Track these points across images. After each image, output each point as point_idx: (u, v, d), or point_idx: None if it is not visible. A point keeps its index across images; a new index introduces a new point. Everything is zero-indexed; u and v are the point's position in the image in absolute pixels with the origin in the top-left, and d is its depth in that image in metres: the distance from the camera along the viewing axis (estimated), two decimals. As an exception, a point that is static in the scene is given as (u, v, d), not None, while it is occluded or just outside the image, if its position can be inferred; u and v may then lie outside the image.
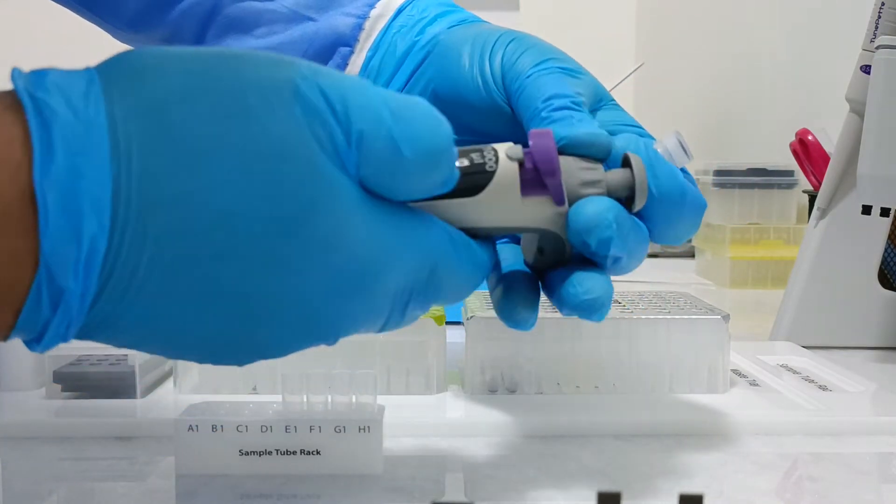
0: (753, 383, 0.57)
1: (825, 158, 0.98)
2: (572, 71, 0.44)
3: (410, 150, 0.32)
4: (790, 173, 1.14)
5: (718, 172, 1.15)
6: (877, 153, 0.61)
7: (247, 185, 0.30)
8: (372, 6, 0.53)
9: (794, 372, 0.60)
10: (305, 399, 0.44)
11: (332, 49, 0.52)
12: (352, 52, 0.52)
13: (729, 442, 0.48)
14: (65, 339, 0.30)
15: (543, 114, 0.41)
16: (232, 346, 0.32)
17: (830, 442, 0.48)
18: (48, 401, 0.52)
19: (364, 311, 0.34)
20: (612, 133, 0.42)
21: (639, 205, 0.38)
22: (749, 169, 1.15)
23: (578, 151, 0.38)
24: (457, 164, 0.36)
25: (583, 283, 0.37)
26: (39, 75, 0.30)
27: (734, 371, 0.59)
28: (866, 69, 0.67)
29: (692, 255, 1.29)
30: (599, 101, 0.45)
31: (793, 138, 1.04)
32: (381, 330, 0.35)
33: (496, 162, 0.37)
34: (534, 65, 0.44)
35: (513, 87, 0.44)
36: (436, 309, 0.55)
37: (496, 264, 0.40)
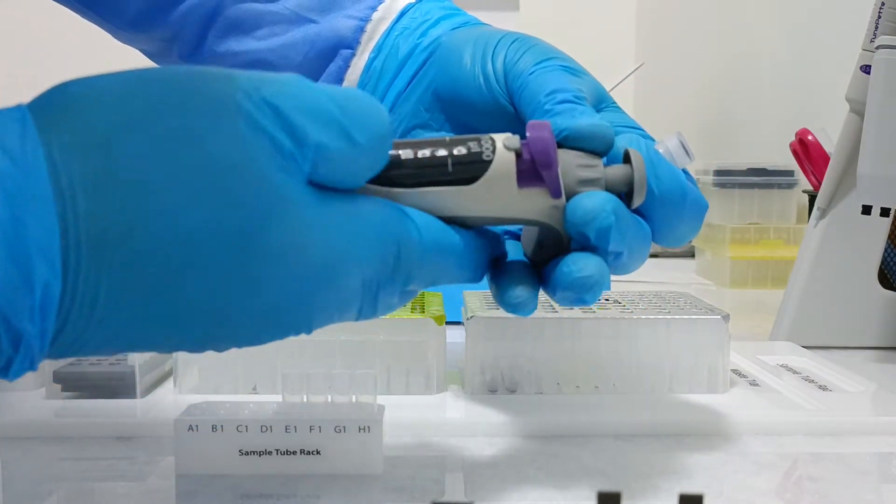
0: (753, 383, 0.57)
1: (825, 158, 0.98)
2: (574, 70, 0.44)
3: (363, 136, 0.33)
4: (790, 173, 1.14)
5: (718, 172, 1.15)
6: (877, 153, 0.61)
7: (197, 209, 0.30)
8: (374, 9, 0.53)
9: (794, 372, 0.60)
10: (305, 399, 0.44)
11: (334, 51, 0.52)
12: (353, 55, 0.52)
13: (729, 442, 0.48)
14: (32, 368, 0.30)
15: (546, 107, 0.41)
16: (203, 346, 0.33)
17: (830, 442, 0.48)
18: (48, 401, 0.52)
19: (332, 304, 0.34)
20: None
21: (638, 201, 0.38)
22: (749, 169, 1.15)
23: (579, 144, 0.38)
24: (455, 151, 0.36)
25: (576, 262, 0.37)
26: None
27: (734, 371, 0.59)
28: (866, 69, 0.67)
29: (692, 255, 1.29)
30: (601, 101, 0.45)
31: (793, 138, 1.04)
32: (358, 319, 0.35)
33: (493, 151, 0.36)
34: (536, 62, 0.44)
35: (515, 84, 0.44)
36: (436, 309, 0.55)
37: (501, 255, 0.40)
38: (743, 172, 1.15)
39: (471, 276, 0.38)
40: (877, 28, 0.68)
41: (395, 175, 0.36)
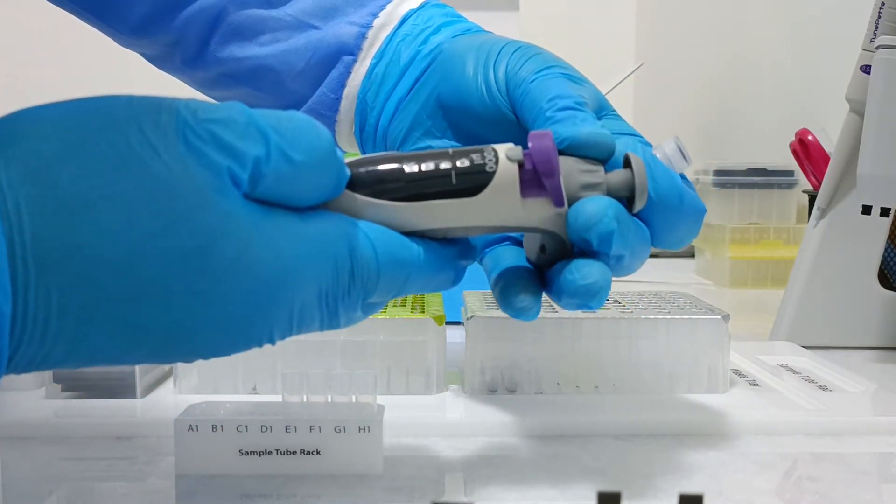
0: (753, 383, 0.57)
1: (825, 158, 0.98)
2: (575, 77, 0.44)
3: (300, 155, 0.33)
4: (790, 173, 1.14)
5: (718, 172, 1.15)
6: (877, 153, 0.61)
7: (136, 228, 0.31)
8: (375, 15, 0.53)
9: (794, 372, 0.60)
10: (305, 399, 0.44)
11: (336, 57, 0.53)
12: (355, 61, 0.52)
13: (729, 442, 0.48)
14: None
15: (548, 114, 0.41)
16: (168, 358, 0.33)
17: (830, 442, 0.48)
18: (48, 401, 0.52)
19: (289, 318, 0.34)
20: None
21: (639, 205, 0.38)
22: (749, 169, 1.15)
23: (580, 152, 0.39)
24: (458, 163, 0.36)
25: (580, 269, 0.37)
26: None
27: (734, 371, 0.59)
28: (866, 69, 0.67)
29: (692, 255, 1.29)
30: (601, 109, 0.45)
31: (793, 138, 1.04)
32: (322, 329, 0.36)
33: (496, 163, 0.37)
34: (537, 70, 0.44)
35: (517, 92, 0.44)
36: (436, 309, 0.55)
37: (492, 266, 0.41)
38: (743, 172, 1.15)
39: (438, 286, 0.38)
40: (877, 28, 0.68)
41: (398, 189, 0.36)
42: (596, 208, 0.37)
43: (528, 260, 0.41)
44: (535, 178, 0.37)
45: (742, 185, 1.14)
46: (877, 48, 0.61)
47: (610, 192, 0.38)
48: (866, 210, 0.65)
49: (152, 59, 0.58)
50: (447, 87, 0.48)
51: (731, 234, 1.11)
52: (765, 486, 0.43)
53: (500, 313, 0.54)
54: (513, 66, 0.45)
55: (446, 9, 0.53)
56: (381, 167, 0.36)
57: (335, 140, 0.55)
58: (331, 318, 0.35)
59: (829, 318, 0.73)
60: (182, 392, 0.53)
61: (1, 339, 0.30)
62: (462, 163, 0.36)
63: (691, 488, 0.40)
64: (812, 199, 1.04)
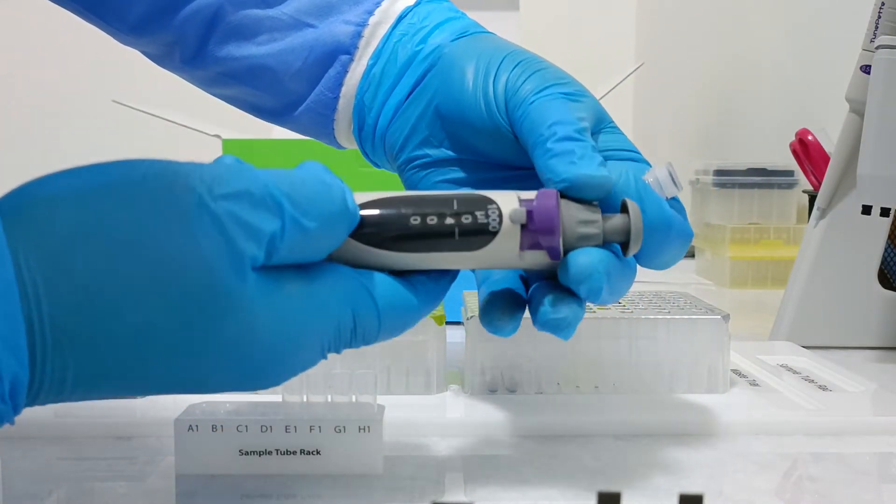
0: (753, 383, 0.57)
1: (825, 158, 0.98)
2: (574, 95, 0.44)
3: (314, 222, 0.35)
4: (790, 173, 1.14)
5: (718, 172, 1.15)
6: (877, 153, 0.61)
7: (150, 310, 0.33)
8: (371, 13, 0.52)
9: (794, 372, 0.60)
10: (305, 399, 0.44)
11: (333, 56, 0.52)
12: (351, 60, 0.52)
13: (729, 442, 0.48)
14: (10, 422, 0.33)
15: (548, 144, 0.42)
16: (177, 394, 0.36)
17: (830, 442, 0.48)
18: (48, 401, 0.52)
19: (291, 371, 0.36)
20: (606, 159, 0.43)
21: (633, 251, 0.39)
22: (749, 169, 1.15)
23: (578, 193, 0.40)
24: (462, 220, 0.38)
25: (555, 304, 0.39)
26: None
27: (734, 371, 0.59)
28: (866, 69, 0.67)
29: (692, 255, 1.29)
30: (600, 123, 0.45)
31: (793, 138, 1.04)
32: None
33: (499, 223, 0.38)
34: (536, 91, 0.44)
35: (516, 114, 0.44)
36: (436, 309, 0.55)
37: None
38: (743, 172, 1.15)
39: (416, 322, 0.40)
40: (877, 28, 0.68)
41: (401, 241, 0.38)
42: (589, 262, 0.38)
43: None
44: (535, 237, 0.38)
45: (742, 185, 1.14)
46: (877, 48, 0.61)
47: (606, 239, 0.39)
48: (866, 210, 0.65)
49: (153, 58, 0.58)
50: (446, 98, 0.48)
51: (731, 234, 1.11)
52: (765, 486, 0.43)
53: (500, 313, 0.54)
54: (512, 83, 0.45)
55: (444, 2, 0.53)
56: (385, 218, 0.38)
57: (335, 138, 0.55)
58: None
59: (829, 318, 0.73)
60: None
61: (17, 399, 0.32)
62: (466, 219, 0.38)
63: (691, 488, 0.40)
64: (812, 199, 1.04)
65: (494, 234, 0.38)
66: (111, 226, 0.32)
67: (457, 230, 0.38)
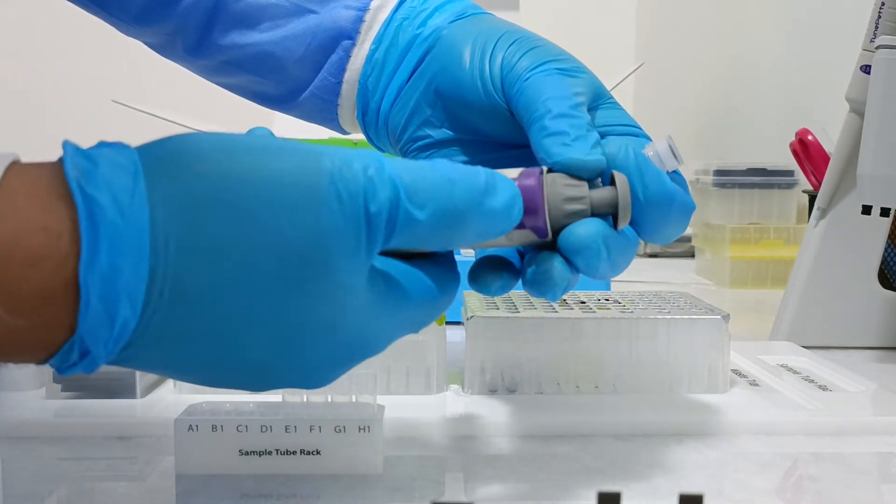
0: (753, 383, 0.57)
1: (825, 158, 0.98)
2: (570, 70, 0.44)
3: (430, 211, 0.35)
4: (790, 173, 1.14)
5: (718, 172, 1.15)
6: (877, 153, 0.61)
7: (265, 286, 0.33)
8: None
9: (794, 372, 0.60)
10: (305, 399, 0.44)
11: (335, 42, 0.52)
12: (353, 45, 0.52)
13: (729, 442, 0.48)
14: (88, 373, 0.33)
15: (545, 121, 0.42)
16: (229, 387, 0.36)
17: (830, 442, 0.48)
18: (48, 401, 0.52)
19: (351, 365, 0.37)
20: (605, 134, 0.43)
21: (622, 224, 0.39)
22: (749, 169, 1.15)
23: (568, 173, 0.40)
24: None
25: (541, 263, 0.39)
26: (90, 165, 0.31)
27: (734, 371, 0.59)
28: (866, 69, 0.67)
29: (692, 255, 1.29)
30: (598, 98, 0.45)
31: (793, 138, 1.04)
32: None
33: None
34: (531, 67, 0.44)
35: (511, 91, 0.44)
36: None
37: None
38: (743, 172, 1.15)
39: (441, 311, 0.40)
40: (877, 28, 0.68)
41: None
42: (586, 234, 0.38)
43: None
44: (524, 215, 0.38)
45: (742, 185, 1.14)
46: (877, 48, 0.61)
47: (594, 212, 0.39)
48: (866, 210, 0.65)
49: (155, 48, 0.58)
50: (444, 78, 0.48)
51: (731, 234, 1.11)
52: (765, 486, 0.43)
53: (500, 313, 0.54)
54: (508, 60, 0.45)
55: None
56: None
57: (339, 123, 0.55)
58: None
59: (829, 318, 0.73)
60: (182, 392, 0.53)
61: (118, 344, 0.32)
62: None
63: (691, 488, 0.40)
64: (812, 199, 1.04)
65: None
66: (246, 191, 0.33)
67: None
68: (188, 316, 0.32)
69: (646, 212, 0.40)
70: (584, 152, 0.40)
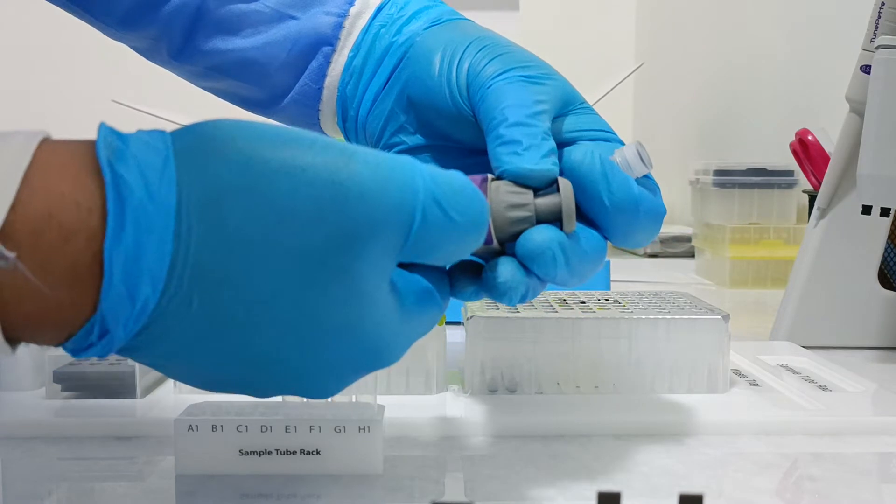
0: (753, 383, 0.57)
1: (825, 158, 0.98)
2: (536, 78, 0.44)
3: (459, 216, 0.35)
4: (790, 173, 1.14)
5: (718, 172, 1.15)
6: (877, 153, 0.61)
7: (285, 282, 0.33)
8: (351, 3, 0.52)
9: (794, 372, 0.60)
10: (305, 399, 0.44)
11: (315, 48, 0.53)
12: (333, 51, 0.52)
13: (729, 442, 0.48)
14: (102, 357, 0.33)
15: (500, 129, 0.42)
16: (242, 390, 0.36)
17: (830, 442, 0.48)
18: (48, 401, 0.52)
19: (366, 372, 0.37)
20: (575, 140, 0.43)
21: (568, 229, 0.39)
22: (749, 169, 1.15)
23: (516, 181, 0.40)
24: None
25: (496, 269, 0.39)
26: (122, 144, 0.32)
27: (734, 371, 0.59)
28: (866, 69, 0.67)
29: (692, 255, 1.29)
30: (567, 105, 0.45)
31: (793, 138, 1.04)
32: None
33: None
34: (495, 75, 0.44)
35: (475, 98, 0.45)
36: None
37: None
38: (743, 172, 1.15)
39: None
40: (877, 28, 0.68)
41: None
42: (541, 240, 0.39)
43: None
44: None
45: (742, 185, 1.14)
46: (877, 48, 0.61)
47: (539, 219, 0.39)
48: (866, 210, 0.65)
49: (142, 52, 0.58)
50: (416, 86, 0.49)
51: (731, 234, 1.11)
52: (765, 486, 0.43)
53: (500, 313, 0.54)
54: (474, 67, 0.45)
55: None
56: None
57: (321, 128, 0.55)
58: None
59: (829, 318, 0.73)
60: (182, 392, 0.53)
61: (137, 324, 0.32)
62: None
63: (691, 488, 0.40)
64: (812, 199, 1.04)
65: None
66: (269, 186, 0.32)
67: None
68: (206, 303, 0.32)
69: (613, 217, 0.41)
70: (534, 161, 0.40)
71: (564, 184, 0.39)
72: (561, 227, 0.39)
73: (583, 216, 0.41)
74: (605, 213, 0.41)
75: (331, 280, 0.33)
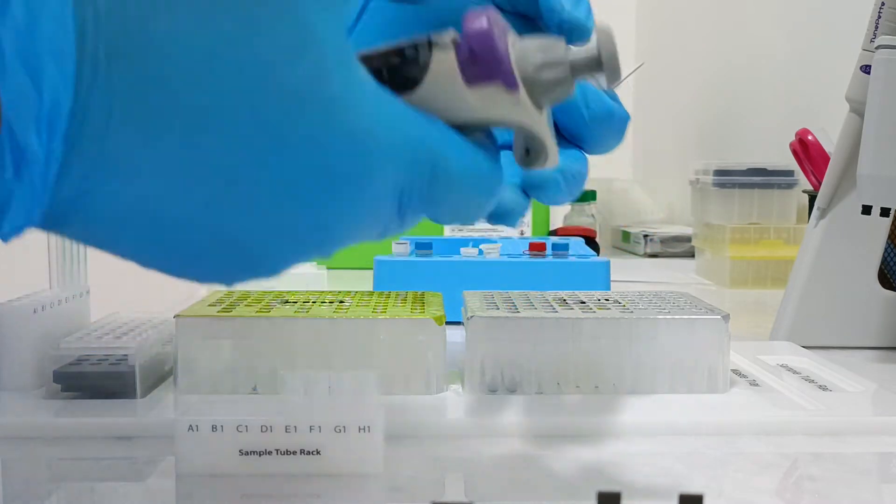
0: (753, 383, 0.57)
1: (825, 158, 0.98)
2: None
3: None
4: (790, 173, 1.14)
5: (718, 172, 1.15)
6: (877, 153, 0.61)
7: (232, 36, 0.26)
8: None
9: (794, 372, 0.60)
10: (305, 399, 0.44)
11: None
12: None
13: (729, 442, 0.48)
14: (30, 218, 0.26)
15: None
16: (217, 248, 0.29)
17: (830, 442, 0.48)
18: (48, 401, 0.52)
19: (360, 209, 0.30)
20: None
21: (610, 83, 0.35)
22: (749, 169, 1.15)
23: (567, 38, 0.37)
24: (391, 60, 0.33)
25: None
26: None
27: (734, 371, 0.59)
28: (866, 69, 0.67)
29: (692, 255, 1.29)
30: None
31: (793, 138, 1.04)
32: (380, 237, 0.33)
33: (430, 51, 0.32)
34: None
35: None
36: (436, 309, 0.55)
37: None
38: (743, 172, 1.15)
39: (480, 205, 0.35)
40: (877, 28, 0.68)
41: None
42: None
43: (516, 161, 0.38)
44: (478, 61, 0.32)
45: (742, 185, 1.14)
46: (877, 48, 0.61)
47: (574, 71, 0.34)
48: (866, 210, 0.65)
49: None
50: None
51: (731, 234, 1.11)
52: (765, 486, 0.43)
53: (500, 313, 0.54)
54: None
55: None
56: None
57: None
58: (396, 222, 0.32)
59: (829, 318, 0.73)
60: (182, 392, 0.53)
61: (54, 136, 0.25)
62: (394, 60, 0.32)
63: (691, 488, 0.40)
64: (812, 199, 1.04)
65: (426, 64, 0.32)
66: None
67: (385, 71, 0.32)
68: (133, 88, 0.25)
69: (590, 129, 0.42)
70: (585, 15, 0.39)
71: (604, 31, 0.34)
72: (602, 79, 0.35)
73: (561, 135, 0.42)
74: (584, 126, 0.42)
75: (291, 40, 0.27)
